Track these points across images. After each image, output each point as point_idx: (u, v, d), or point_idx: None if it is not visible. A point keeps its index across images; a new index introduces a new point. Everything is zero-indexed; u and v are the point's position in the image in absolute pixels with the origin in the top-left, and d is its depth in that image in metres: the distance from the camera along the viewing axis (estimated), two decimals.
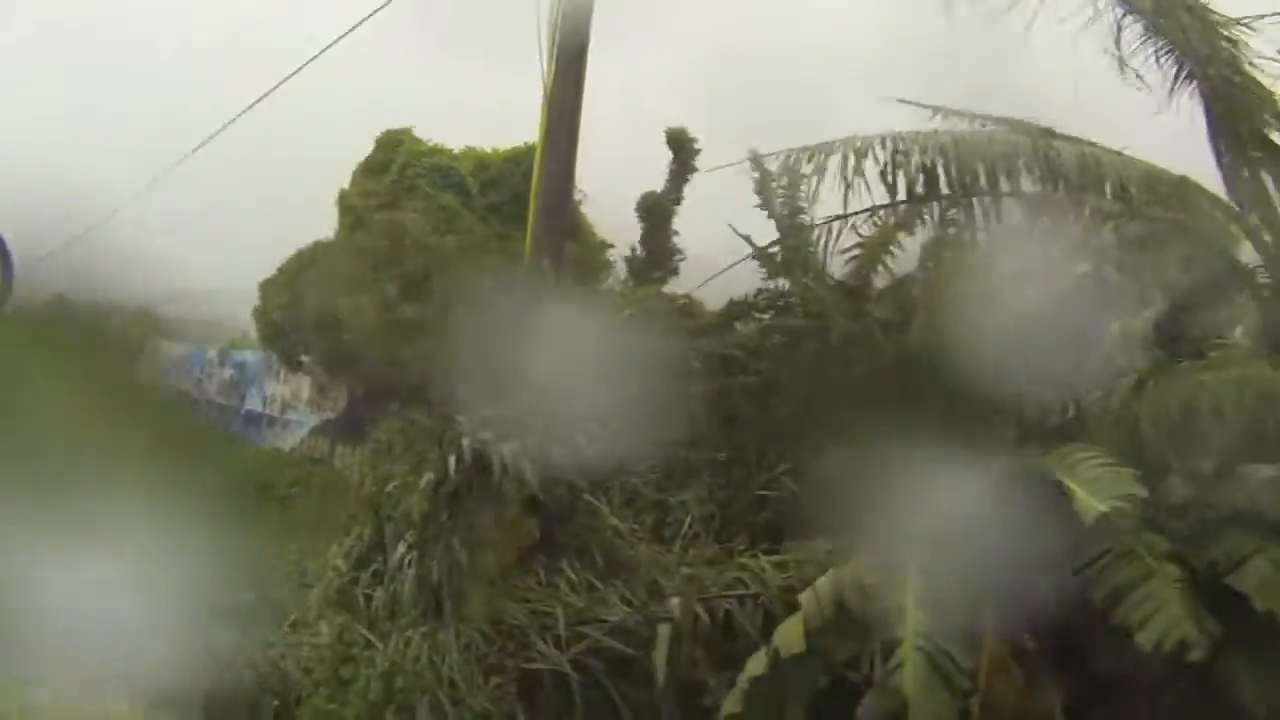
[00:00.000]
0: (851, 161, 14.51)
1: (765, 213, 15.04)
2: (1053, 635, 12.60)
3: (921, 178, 14.60)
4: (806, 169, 14.72)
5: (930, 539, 11.98)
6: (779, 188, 15.04)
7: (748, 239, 15.16)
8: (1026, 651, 12.31)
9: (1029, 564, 11.52)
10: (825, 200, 15.07)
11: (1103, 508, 11.31)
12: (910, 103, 15.29)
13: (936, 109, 15.41)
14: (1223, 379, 12.86)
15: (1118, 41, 15.01)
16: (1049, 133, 15.20)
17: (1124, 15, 14.99)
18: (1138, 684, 12.25)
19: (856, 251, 15.11)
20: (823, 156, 14.74)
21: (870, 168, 14.63)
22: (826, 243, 15.30)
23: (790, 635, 12.72)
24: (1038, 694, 12.60)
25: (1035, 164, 14.68)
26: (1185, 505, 12.86)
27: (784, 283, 15.29)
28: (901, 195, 14.60)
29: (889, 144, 14.76)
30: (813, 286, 14.29)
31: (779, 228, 15.01)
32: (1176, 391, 12.71)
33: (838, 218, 15.15)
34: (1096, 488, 11.55)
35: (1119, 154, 15.11)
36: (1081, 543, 11.84)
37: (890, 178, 14.64)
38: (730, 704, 12.70)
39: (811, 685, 12.58)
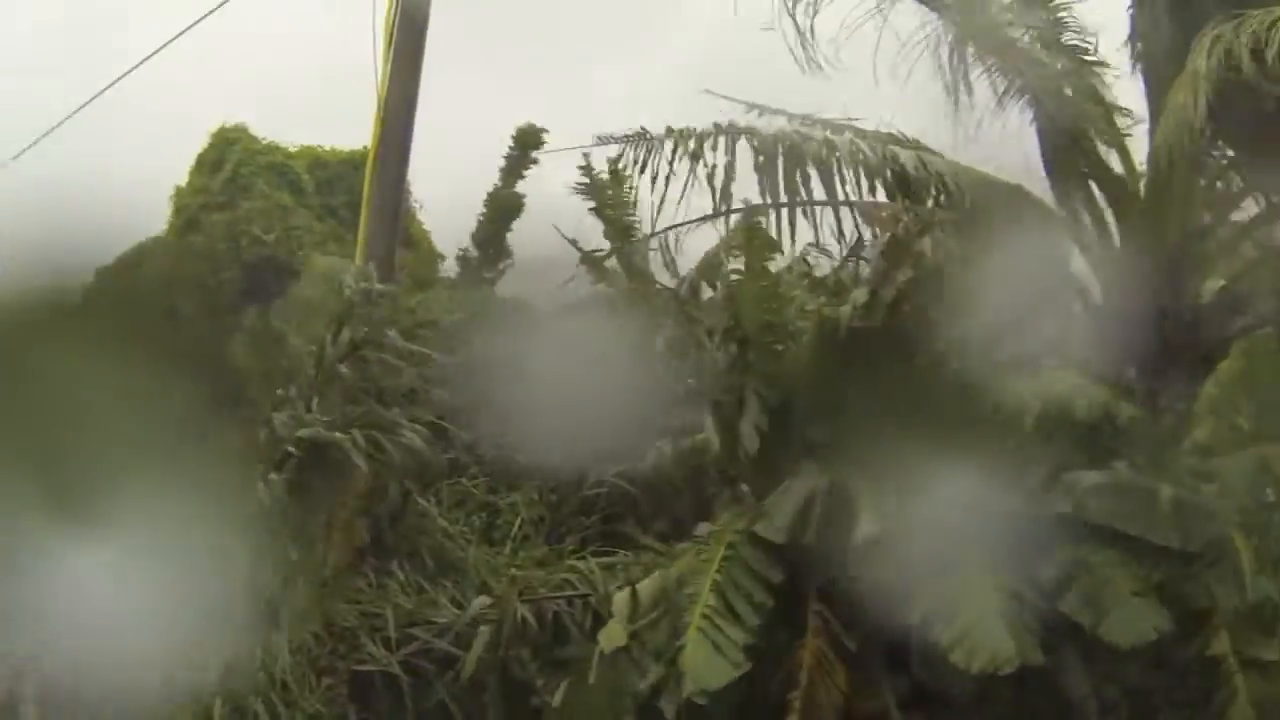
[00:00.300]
0: (684, 160, 14.73)
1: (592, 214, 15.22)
2: (881, 636, 12.89)
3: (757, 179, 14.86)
4: (631, 168, 14.93)
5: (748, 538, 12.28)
6: (608, 190, 15.19)
7: (573, 243, 15.27)
8: (851, 651, 12.55)
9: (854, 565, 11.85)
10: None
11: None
12: (726, 96, 15.47)
13: (753, 105, 15.61)
14: (1047, 391, 13.28)
15: (952, 55, 15.30)
16: (890, 138, 15.49)
17: (956, 38, 15.33)
18: (970, 684, 12.56)
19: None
20: (647, 152, 14.95)
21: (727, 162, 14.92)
22: (663, 244, 15.52)
23: (612, 634, 12.92)
24: (867, 694, 12.86)
25: (869, 168, 14.96)
26: (1010, 514, 13.24)
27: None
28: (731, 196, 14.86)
29: (720, 143, 15.00)
30: (639, 292, 14.39)
31: (606, 232, 15.16)
32: (996, 401, 13.06)
33: (673, 227, 15.39)
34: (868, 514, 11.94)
35: (956, 163, 15.46)
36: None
37: (721, 179, 14.90)
38: (556, 698, 12.88)
39: (633, 683, 12.74)
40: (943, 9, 15.36)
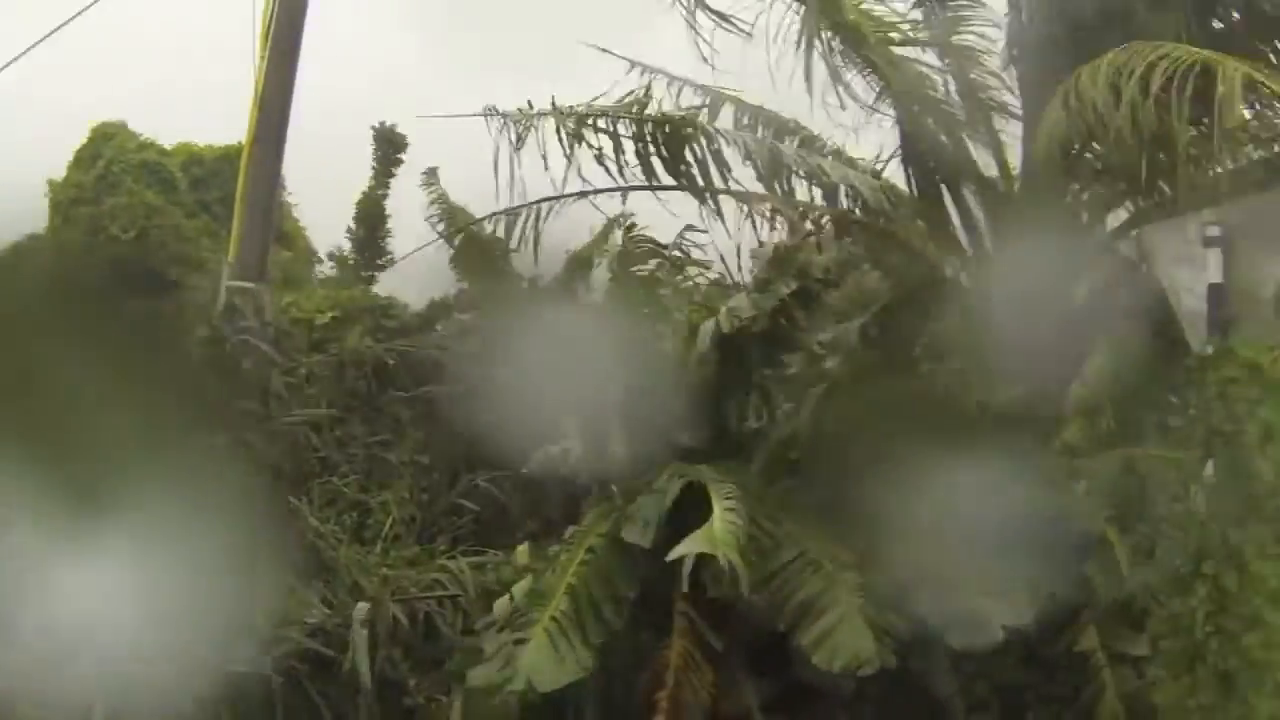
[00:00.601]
0: (565, 137, 14.63)
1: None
2: (747, 637, 12.91)
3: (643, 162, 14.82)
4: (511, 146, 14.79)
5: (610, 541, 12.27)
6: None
7: (444, 237, 15.09)
8: (717, 652, 12.55)
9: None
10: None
11: (718, 553, 11.55)
12: (613, 53, 15.34)
13: (639, 64, 15.50)
14: (911, 389, 13.36)
15: (827, 55, 15.28)
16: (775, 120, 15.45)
17: (832, 37, 15.35)
18: (837, 684, 12.62)
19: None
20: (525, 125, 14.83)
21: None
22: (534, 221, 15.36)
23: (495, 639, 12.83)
24: (732, 694, 12.89)
25: (754, 159, 14.96)
26: (877, 513, 13.30)
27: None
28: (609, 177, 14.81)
29: (605, 122, 14.91)
30: (501, 288, 14.22)
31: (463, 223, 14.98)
32: (867, 400, 13.13)
33: (548, 199, 15.23)
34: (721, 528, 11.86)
35: (850, 159, 15.49)
36: (775, 550, 12.21)
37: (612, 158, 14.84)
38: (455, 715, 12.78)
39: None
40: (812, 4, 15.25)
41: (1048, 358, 13.69)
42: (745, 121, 15.83)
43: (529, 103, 15.45)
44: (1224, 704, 11.20)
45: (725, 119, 15.81)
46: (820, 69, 15.16)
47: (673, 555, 11.62)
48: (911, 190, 15.35)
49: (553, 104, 15.38)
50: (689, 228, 15.41)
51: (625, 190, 14.94)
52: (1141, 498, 12.80)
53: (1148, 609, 12.15)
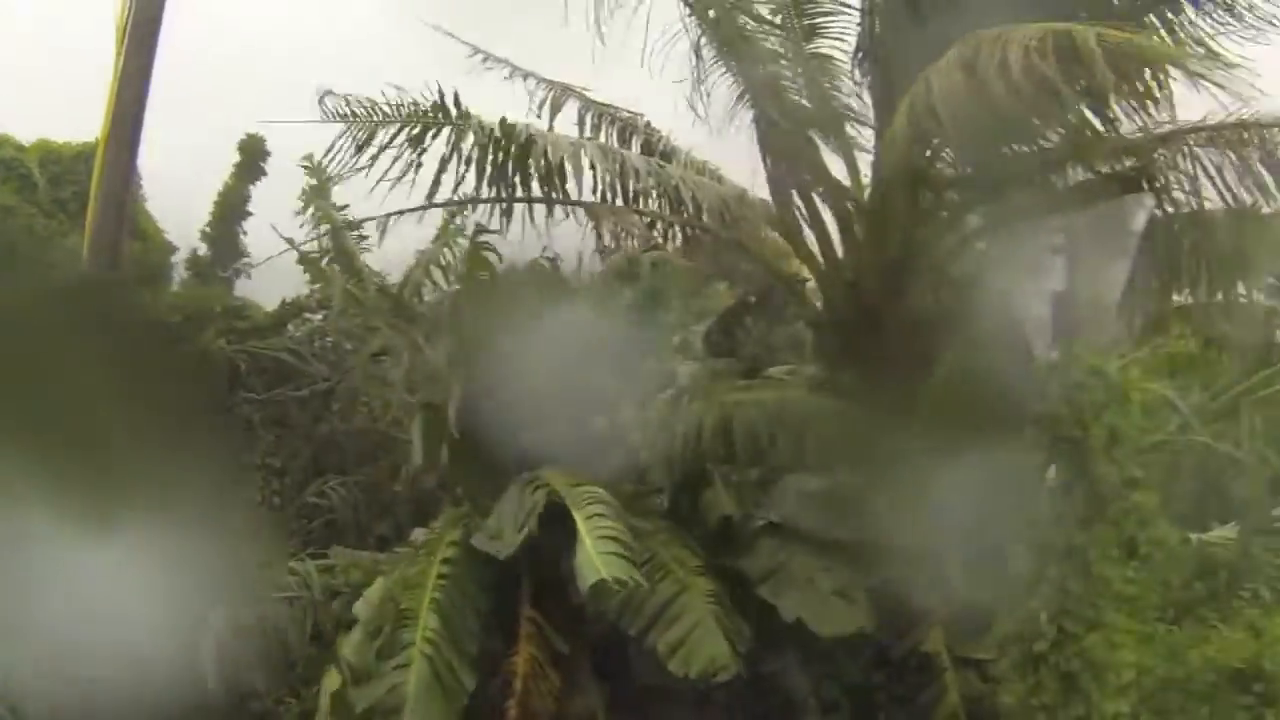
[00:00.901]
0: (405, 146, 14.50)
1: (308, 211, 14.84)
2: (593, 640, 12.92)
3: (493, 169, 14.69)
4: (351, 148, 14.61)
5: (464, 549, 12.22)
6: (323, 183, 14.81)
7: (290, 242, 14.89)
8: (564, 656, 12.54)
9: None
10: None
11: (602, 575, 11.58)
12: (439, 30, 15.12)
13: (478, 51, 15.34)
14: (760, 398, 13.44)
15: (697, 54, 15.23)
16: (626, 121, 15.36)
17: (700, 38, 15.25)
18: (689, 686, 12.67)
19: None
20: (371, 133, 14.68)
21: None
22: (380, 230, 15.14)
23: (358, 647, 12.75)
24: (579, 697, 12.90)
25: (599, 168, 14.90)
26: (727, 518, 13.39)
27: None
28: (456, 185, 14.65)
29: (452, 132, 14.78)
30: (353, 291, 14.05)
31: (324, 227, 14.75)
32: (715, 407, 13.19)
33: (402, 212, 15.03)
34: (598, 546, 11.86)
35: (691, 165, 15.45)
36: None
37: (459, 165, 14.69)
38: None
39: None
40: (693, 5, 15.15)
41: (893, 362, 13.84)
42: (591, 120, 15.66)
43: (373, 104, 15.13)
44: (1066, 704, 11.41)
45: (570, 115, 15.67)
46: (684, 70, 15.07)
47: (587, 584, 11.54)
48: (777, 197, 15.27)
49: (397, 107, 15.06)
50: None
51: (473, 203, 14.73)
52: (988, 501, 12.93)
53: (993, 611, 12.36)
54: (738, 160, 15.57)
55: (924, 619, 13.34)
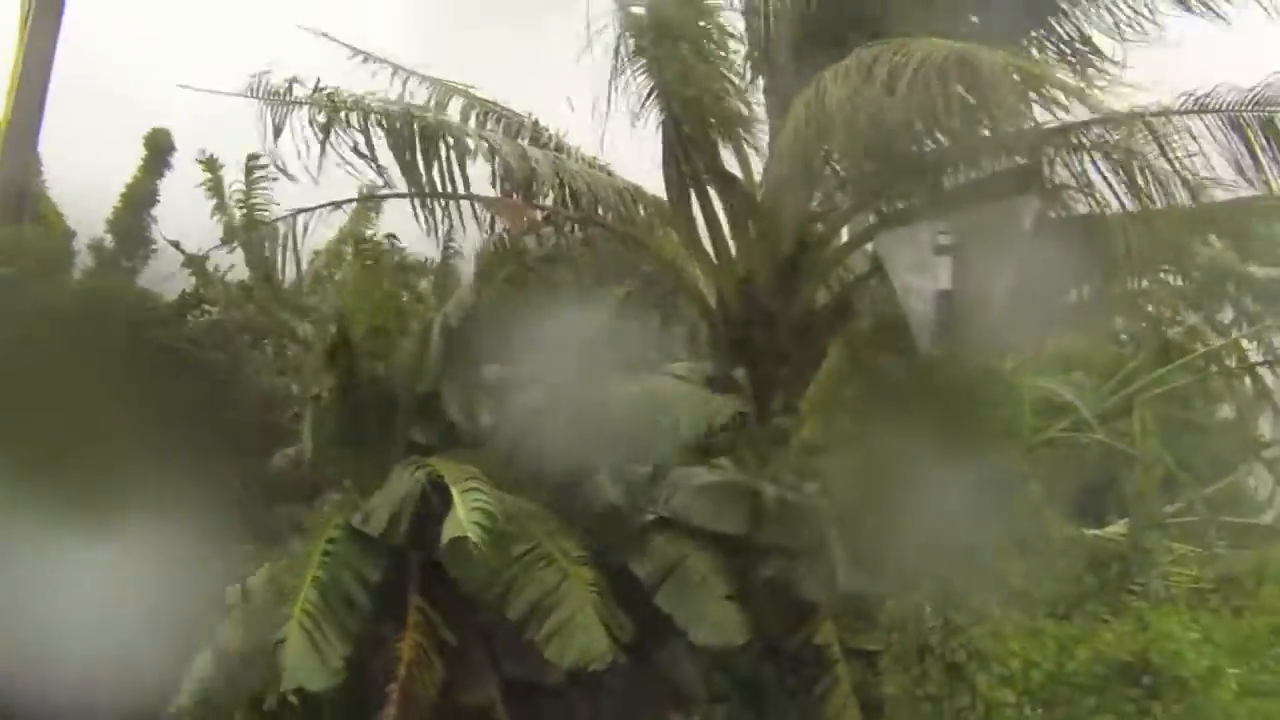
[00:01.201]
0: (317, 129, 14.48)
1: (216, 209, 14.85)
2: (486, 630, 13.00)
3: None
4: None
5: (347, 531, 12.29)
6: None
7: (174, 244, 14.84)
8: (454, 645, 12.62)
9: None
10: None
11: (469, 533, 11.67)
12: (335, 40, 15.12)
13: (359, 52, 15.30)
14: (650, 391, 13.56)
15: (617, 52, 15.22)
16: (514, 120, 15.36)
17: (622, 33, 15.19)
18: (579, 675, 12.75)
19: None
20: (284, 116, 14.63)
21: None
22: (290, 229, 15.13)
23: (233, 634, 12.78)
24: (473, 686, 12.98)
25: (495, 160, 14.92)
26: (613, 509, 13.50)
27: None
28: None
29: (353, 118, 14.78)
30: (230, 287, 14.00)
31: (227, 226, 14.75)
32: (604, 400, 13.29)
33: (299, 211, 15.03)
34: (468, 514, 11.93)
35: (587, 160, 15.50)
36: (507, 544, 12.32)
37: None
38: (182, 699, 12.64)
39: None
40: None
41: (784, 357, 14.01)
42: (476, 118, 15.67)
43: (289, 86, 15.03)
44: (951, 694, 11.55)
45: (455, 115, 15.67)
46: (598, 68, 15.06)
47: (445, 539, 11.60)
48: (673, 195, 15.34)
49: (314, 91, 15.00)
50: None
51: (377, 198, 14.76)
52: (876, 495, 13.10)
53: (882, 603, 12.52)
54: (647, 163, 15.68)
55: (815, 611, 13.43)
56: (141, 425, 15.16)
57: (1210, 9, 14.38)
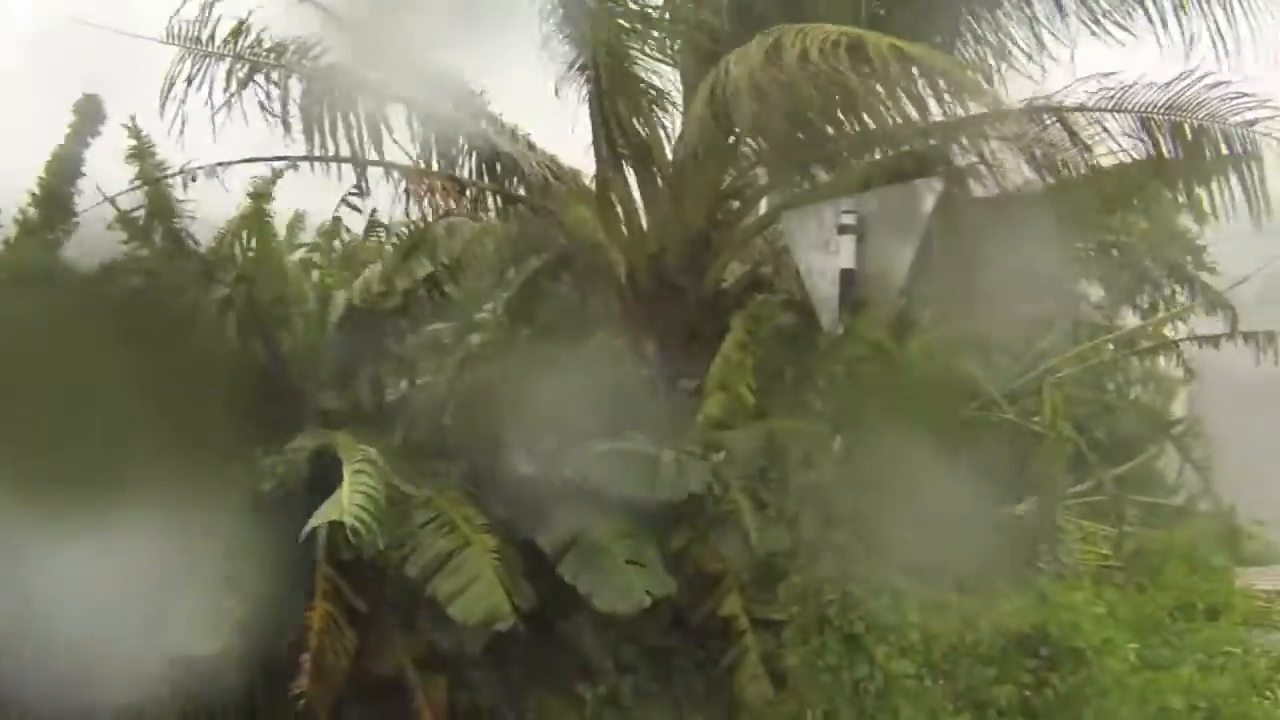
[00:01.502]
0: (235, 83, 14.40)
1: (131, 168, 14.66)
2: (395, 599, 13.16)
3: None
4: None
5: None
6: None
7: (111, 200, 14.72)
8: (364, 614, 12.77)
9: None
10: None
11: (347, 517, 11.71)
12: None
13: None
14: (558, 364, 13.75)
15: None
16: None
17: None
18: (489, 646, 12.97)
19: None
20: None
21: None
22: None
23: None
24: (384, 654, 13.14)
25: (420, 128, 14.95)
26: (519, 480, 13.67)
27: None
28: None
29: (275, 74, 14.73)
30: (163, 252, 13.94)
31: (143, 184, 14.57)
32: (510, 374, 13.48)
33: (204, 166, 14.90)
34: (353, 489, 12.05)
35: (522, 138, 15.54)
36: (410, 512, 12.49)
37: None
38: None
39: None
40: None
41: (693, 332, 14.21)
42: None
43: (211, 33, 14.98)
44: (850, 665, 11.79)
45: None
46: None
47: (309, 525, 11.75)
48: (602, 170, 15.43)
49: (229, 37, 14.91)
50: (351, 193, 15.30)
51: (284, 160, 14.69)
52: (780, 469, 13.34)
53: (787, 574, 12.75)
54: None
55: (722, 582, 13.64)
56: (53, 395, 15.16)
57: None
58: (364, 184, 15.18)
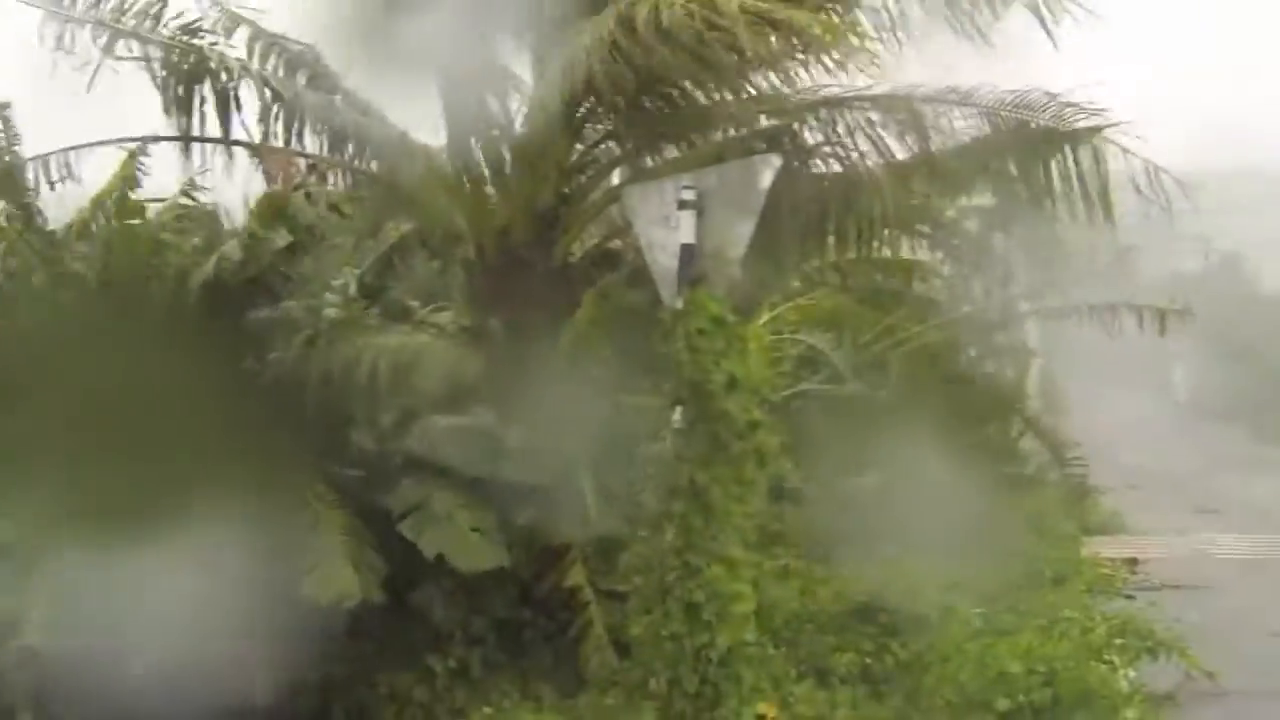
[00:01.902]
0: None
1: None
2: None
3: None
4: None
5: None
6: None
7: None
8: None
9: None
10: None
11: None
12: None
13: None
14: (404, 339, 13.84)
15: None
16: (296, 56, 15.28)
17: None
18: (339, 618, 12.95)
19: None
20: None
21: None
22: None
23: None
24: None
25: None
26: (366, 455, 13.75)
27: None
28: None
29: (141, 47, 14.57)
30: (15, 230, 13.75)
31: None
32: (346, 350, 13.54)
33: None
34: None
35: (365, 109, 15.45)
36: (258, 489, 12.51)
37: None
38: None
39: None
40: None
41: (540, 307, 14.32)
42: (260, 50, 15.27)
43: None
44: (691, 633, 12.02)
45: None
46: None
47: None
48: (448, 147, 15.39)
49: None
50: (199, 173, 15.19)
51: (141, 140, 14.58)
52: (624, 443, 13.53)
53: (629, 546, 12.96)
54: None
55: (566, 554, 13.82)
56: None
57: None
58: (209, 162, 15.04)
